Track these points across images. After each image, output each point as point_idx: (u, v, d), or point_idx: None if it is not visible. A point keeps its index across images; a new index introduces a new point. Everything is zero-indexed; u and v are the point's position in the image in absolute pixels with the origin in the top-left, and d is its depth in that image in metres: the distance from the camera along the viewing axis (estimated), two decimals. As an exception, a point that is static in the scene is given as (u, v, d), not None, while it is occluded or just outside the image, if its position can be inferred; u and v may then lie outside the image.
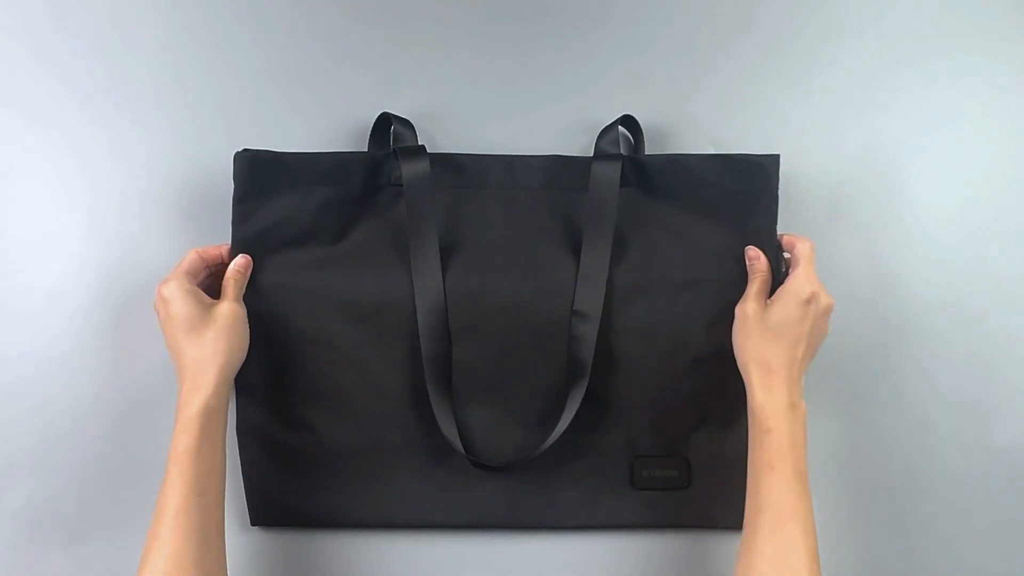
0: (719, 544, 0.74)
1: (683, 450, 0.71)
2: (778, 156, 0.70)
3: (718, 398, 0.70)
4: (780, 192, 0.70)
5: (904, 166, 0.75)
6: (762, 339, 0.64)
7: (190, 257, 0.68)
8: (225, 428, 0.64)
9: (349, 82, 0.73)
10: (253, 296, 0.69)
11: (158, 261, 0.72)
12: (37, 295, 0.73)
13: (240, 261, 0.68)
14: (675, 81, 0.75)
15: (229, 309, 0.66)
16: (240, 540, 0.72)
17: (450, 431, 0.66)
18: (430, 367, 0.67)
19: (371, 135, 0.72)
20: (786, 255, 0.71)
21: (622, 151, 0.73)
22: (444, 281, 0.67)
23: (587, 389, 0.67)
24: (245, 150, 0.68)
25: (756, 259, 0.69)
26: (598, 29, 0.75)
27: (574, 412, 0.66)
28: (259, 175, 0.68)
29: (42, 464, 0.72)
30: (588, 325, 0.67)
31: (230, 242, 0.70)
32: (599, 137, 0.72)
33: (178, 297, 0.64)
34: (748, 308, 0.66)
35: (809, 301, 0.64)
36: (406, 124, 0.71)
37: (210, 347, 0.64)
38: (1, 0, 0.74)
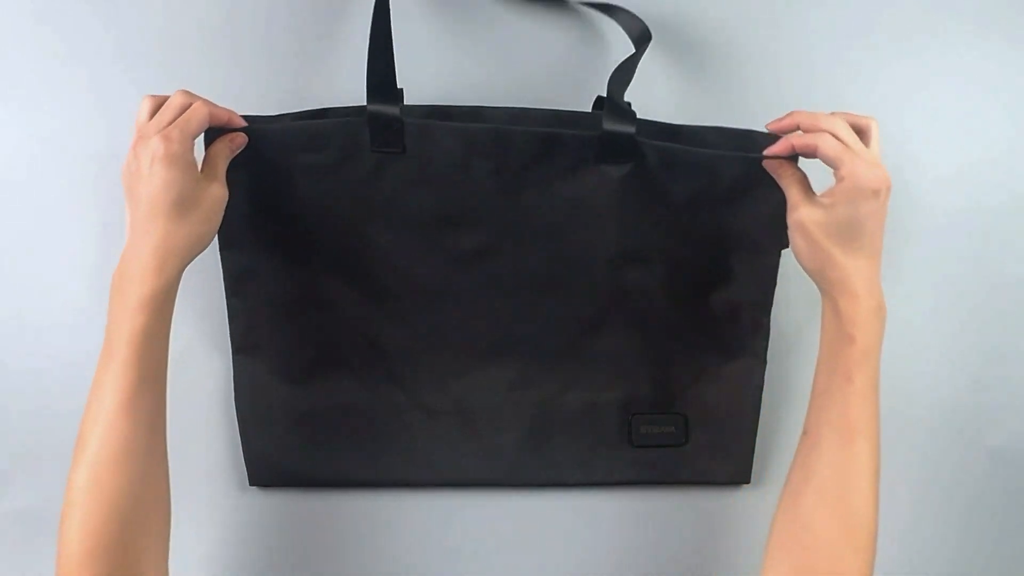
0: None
1: (680, 407, 0.71)
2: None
3: (715, 353, 0.70)
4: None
5: (903, 158, 0.73)
6: (834, 245, 0.57)
7: (199, 115, 0.58)
8: (172, 313, 0.59)
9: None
10: (248, 254, 0.67)
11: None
12: (36, 293, 0.71)
13: (239, 139, 0.61)
14: (669, 61, 0.72)
15: (221, 194, 0.59)
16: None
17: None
18: (429, 328, 0.68)
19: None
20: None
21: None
22: (434, 245, 0.67)
23: (583, 346, 0.69)
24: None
25: (779, 166, 0.61)
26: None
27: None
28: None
29: (42, 464, 0.71)
30: (585, 275, 0.68)
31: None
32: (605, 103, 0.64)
33: (180, 175, 0.55)
34: (804, 217, 0.57)
35: (878, 191, 0.56)
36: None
37: (190, 230, 0.57)
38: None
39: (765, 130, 0.63)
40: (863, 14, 0.73)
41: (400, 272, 0.68)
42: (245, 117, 0.63)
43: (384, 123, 0.62)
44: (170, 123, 0.57)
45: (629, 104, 0.64)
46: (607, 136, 0.62)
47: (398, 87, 0.63)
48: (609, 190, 0.65)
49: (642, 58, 0.65)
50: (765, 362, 0.71)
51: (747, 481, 0.73)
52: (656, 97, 0.71)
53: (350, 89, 0.69)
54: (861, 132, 0.59)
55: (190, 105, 0.58)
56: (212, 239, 0.60)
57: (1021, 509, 0.74)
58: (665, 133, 0.65)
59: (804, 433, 0.59)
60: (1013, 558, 0.75)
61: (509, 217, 0.66)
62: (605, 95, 0.63)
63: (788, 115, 0.61)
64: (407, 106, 0.65)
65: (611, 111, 0.62)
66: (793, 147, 0.59)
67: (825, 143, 0.57)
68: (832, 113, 0.60)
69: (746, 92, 0.73)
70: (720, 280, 0.69)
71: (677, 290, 0.69)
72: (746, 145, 0.64)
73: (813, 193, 0.59)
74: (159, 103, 0.59)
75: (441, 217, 0.66)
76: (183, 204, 0.56)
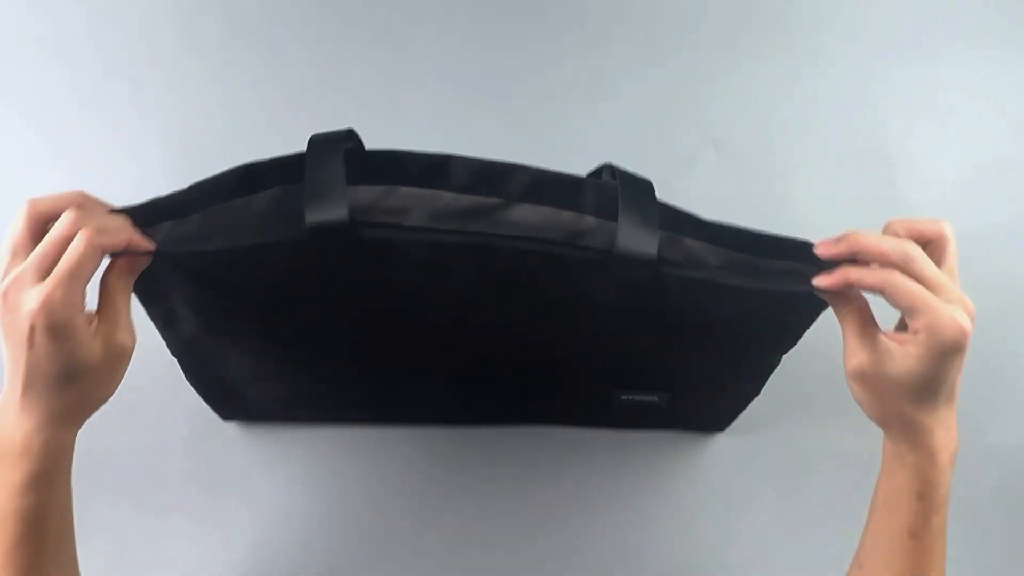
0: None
1: (667, 384, 0.65)
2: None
3: (717, 376, 0.64)
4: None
5: (901, 158, 0.74)
6: (906, 402, 0.46)
7: (88, 257, 0.43)
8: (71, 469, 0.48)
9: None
10: (171, 308, 0.55)
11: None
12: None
13: (142, 258, 0.47)
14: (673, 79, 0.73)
15: (124, 345, 0.46)
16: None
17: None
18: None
19: None
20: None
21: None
22: (398, 320, 0.56)
23: (579, 357, 0.62)
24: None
25: (838, 296, 0.48)
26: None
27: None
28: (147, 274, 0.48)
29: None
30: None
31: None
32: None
33: (68, 344, 0.42)
34: (867, 369, 0.47)
35: (963, 347, 0.44)
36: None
37: (83, 398, 0.46)
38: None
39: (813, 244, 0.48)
40: (866, 21, 0.75)
41: (361, 333, 0.58)
42: (148, 204, 0.47)
43: (331, 235, 0.46)
44: (53, 263, 0.42)
45: (651, 185, 0.48)
46: (620, 259, 0.47)
47: (352, 130, 0.49)
48: (613, 305, 0.53)
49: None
50: (766, 380, 0.66)
51: (721, 430, 0.72)
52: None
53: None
54: (929, 244, 0.45)
55: (75, 234, 0.43)
56: (115, 390, 0.48)
57: (1021, 508, 0.73)
58: (687, 226, 0.50)
59: (859, 567, 0.53)
60: (1013, 558, 0.73)
61: (492, 304, 0.54)
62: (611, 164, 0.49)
63: (843, 238, 0.47)
64: (361, 154, 0.49)
65: (628, 218, 0.47)
66: (851, 283, 0.46)
67: (896, 287, 0.44)
68: (892, 225, 0.46)
69: (747, 97, 0.73)
70: (740, 344, 0.59)
71: (687, 350, 0.60)
72: (790, 252, 0.50)
73: (876, 329, 0.47)
74: (40, 215, 0.44)
75: (407, 303, 0.54)
76: (73, 375, 0.44)
